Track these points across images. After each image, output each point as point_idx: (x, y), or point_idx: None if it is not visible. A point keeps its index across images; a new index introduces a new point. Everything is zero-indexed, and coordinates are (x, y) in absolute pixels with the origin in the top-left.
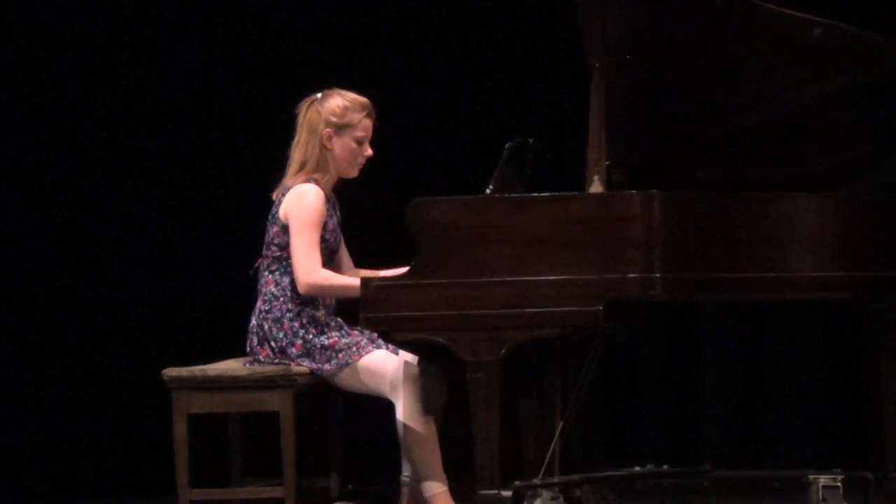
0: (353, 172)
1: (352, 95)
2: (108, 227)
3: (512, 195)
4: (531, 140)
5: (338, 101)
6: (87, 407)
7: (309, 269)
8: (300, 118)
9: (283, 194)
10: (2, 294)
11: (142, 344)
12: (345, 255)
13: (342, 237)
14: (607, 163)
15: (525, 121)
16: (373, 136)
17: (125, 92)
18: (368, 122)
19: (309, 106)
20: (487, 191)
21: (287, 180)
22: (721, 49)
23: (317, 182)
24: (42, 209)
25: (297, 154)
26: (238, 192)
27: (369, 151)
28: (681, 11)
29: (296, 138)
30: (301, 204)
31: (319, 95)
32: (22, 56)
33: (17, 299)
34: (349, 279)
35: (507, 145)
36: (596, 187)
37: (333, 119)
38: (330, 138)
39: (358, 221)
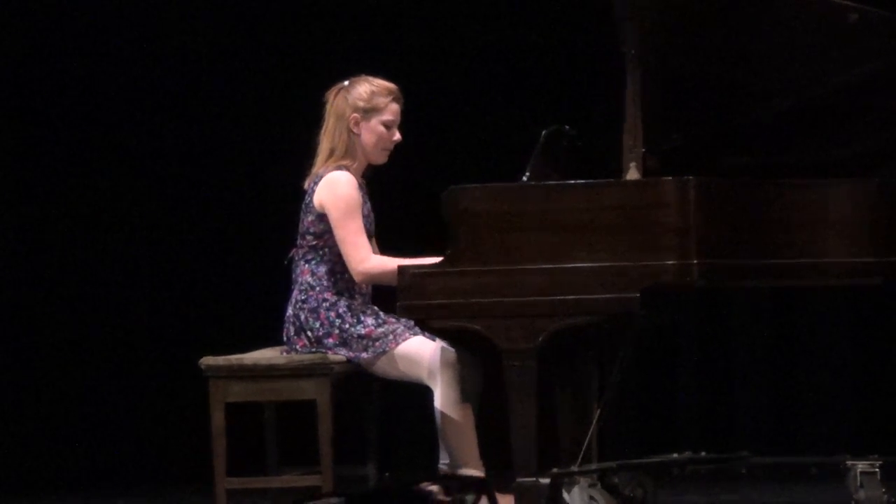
0: (382, 158)
1: (379, 81)
2: (145, 217)
3: (548, 182)
4: (567, 127)
5: (365, 87)
6: (126, 396)
7: (360, 258)
8: (328, 106)
9: (315, 183)
10: (40, 283)
11: (179, 333)
12: (372, 243)
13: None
14: (643, 150)
15: (561, 108)
16: (401, 122)
17: (163, 84)
18: (396, 107)
19: (337, 93)
20: (523, 178)
21: (317, 168)
22: (755, 35)
23: (347, 168)
24: (79, 199)
25: (325, 142)
26: (274, 181)
27: (398, 136)
28: None
29: (324, 126)
30: (337, 194)
31: (347, 83)
32: (57, 38)
33: (54, 288)
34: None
35: (542, 133)
36: (633, 174)
37: (360, 104)
38: (357, 123)
39: (392, 210)
